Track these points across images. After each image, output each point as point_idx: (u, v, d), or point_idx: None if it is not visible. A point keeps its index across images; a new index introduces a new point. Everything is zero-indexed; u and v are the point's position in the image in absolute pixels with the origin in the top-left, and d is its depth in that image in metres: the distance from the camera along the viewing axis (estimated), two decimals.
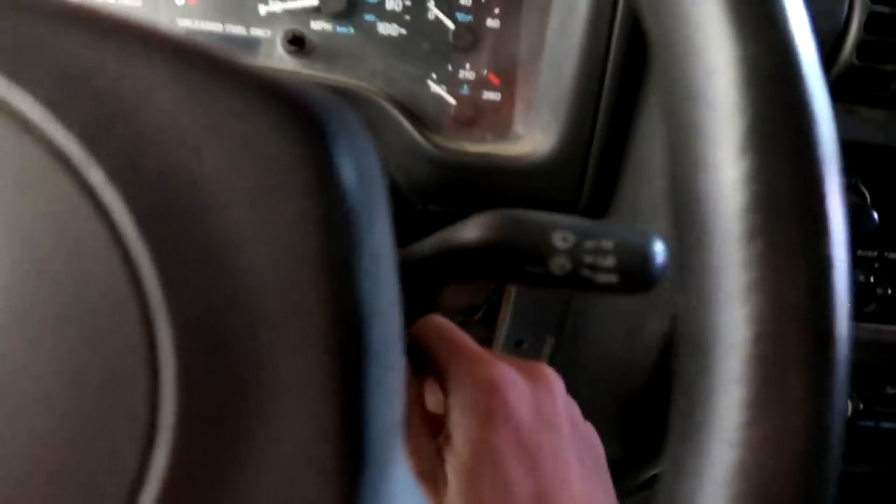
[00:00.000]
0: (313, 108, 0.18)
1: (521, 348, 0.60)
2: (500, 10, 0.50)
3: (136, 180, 0.16)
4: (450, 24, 0.49)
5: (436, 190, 0.47)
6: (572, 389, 0.57)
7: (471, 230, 0.29)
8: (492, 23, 0.50)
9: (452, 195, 0.47)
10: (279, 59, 0.48)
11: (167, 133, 0.16)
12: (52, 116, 0.16)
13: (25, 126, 0.16)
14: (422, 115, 0.49)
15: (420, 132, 0.46)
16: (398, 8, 0.49)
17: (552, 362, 0.60)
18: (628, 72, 0.43)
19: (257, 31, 0.49)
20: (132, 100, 0.16)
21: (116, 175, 0.16)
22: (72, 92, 0.16)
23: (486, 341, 0.65)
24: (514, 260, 0.28)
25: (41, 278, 0.16)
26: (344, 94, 0.46)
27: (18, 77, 0.16)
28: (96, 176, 0.16)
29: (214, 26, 0.49)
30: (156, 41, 0.17)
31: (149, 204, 0.16)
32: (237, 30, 0.49)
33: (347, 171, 0.18)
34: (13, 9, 0.16)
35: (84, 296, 0.16)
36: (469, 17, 0.50)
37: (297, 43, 0.47)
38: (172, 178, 0.16)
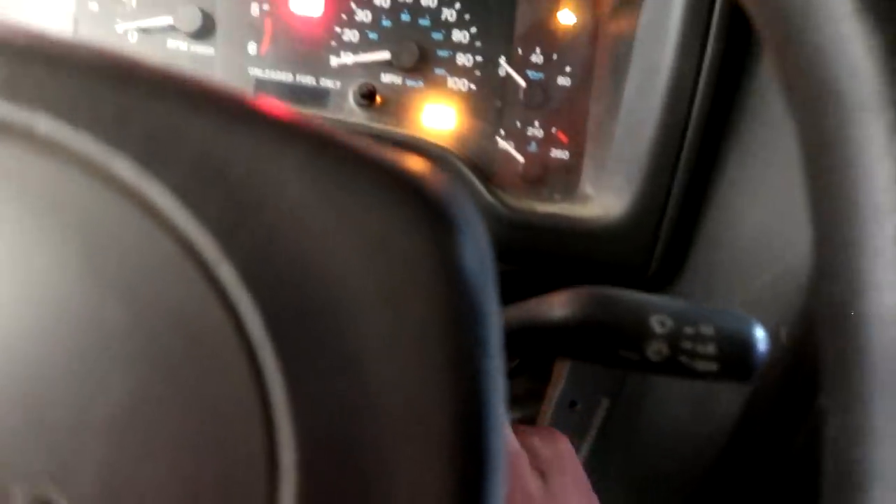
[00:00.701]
0: (443, 202, 0.17)
1: (573, 409, 0.58)
2: (571, 69, 0.49)
3: (267, 279, 0.15)
4: (521, 82, 0.49)
5: (502, 248, 0.46)
6: (628, 457, 0.55)
7: (561, 308, 0.28)
8: (562, 81, 0.49)
9: (518, 254, 0.46)
10: (349, 112, 0.48)
11: (299, 228, 0.15)
12: (185, 209, 0.15)
13: (157, 217, 0.15)
14: (489, 171, 0.48)
15: (487, 189, 0.45)
16: (469, 63, 0.49)
17: (606, 426, 0.58)
18: (709, 137, 0.42)
19: (327, 83, 0.49)
20: (265, 193, 0.15)
21: (247, 273, 0.15)
22: (205, 183, 0.15)
23: (529, 395, 0.63)
24: (607, 342, 0.27)
25: (164, 373, 0.15)
26: (412, 149, 0.45)
27: (152, 166, 0.15)
28: (227, 274, 0.15)
29: (285, 76, 0.49)
30: (289, 130, 0.16)
31: (278, 304, 0.15)
32: (307, 80, 0.49)
33: (474, 268, 0.17)
34: (148, 94, 0.15)
35: (206, 394, 0.15)
36: (540, 75, 0.49)
37: (369, 97, 0.47)
38: (303, 276, 0.15)
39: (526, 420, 0.63)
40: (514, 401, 0.64)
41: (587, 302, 0.28)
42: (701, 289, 0.45)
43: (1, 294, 0.15)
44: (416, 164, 0.19)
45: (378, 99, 0.48)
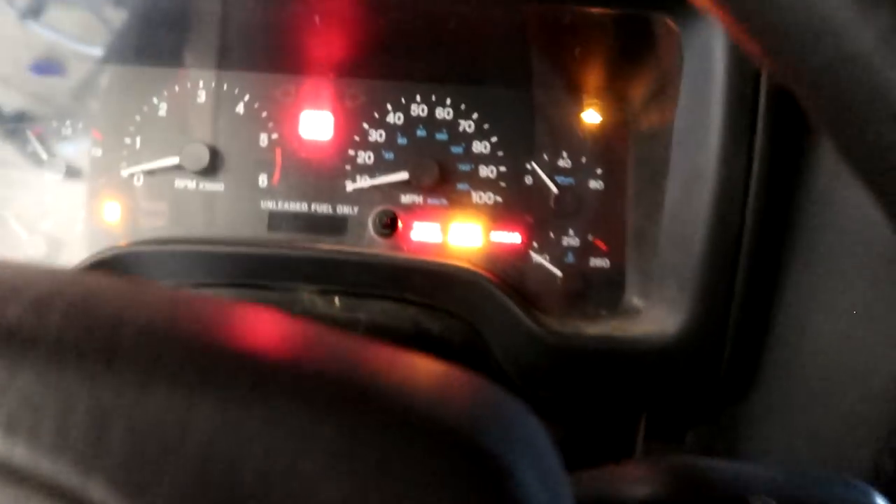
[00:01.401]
0: (503, 465, 0.13)
1: None
2: (603, 171, 0.46)
3: None
4: (552, 188, 0.45)
5: (548, 376, 0.42)
6: None
7: (642, 485, 0.24)
8: (594, 184, 0.46)
9: (568, 382, 0.42)
10: (370, 242, 0.45)
11: None
12: None
13: None
14: (526, 291, 0.45)
15: (528, 313, 0.41)
16: (493, 175, 0.46)
17: None
18: (767, 240, 0.38)
19: (344, 209, 0.46)
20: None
21: None
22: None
23: None
24: None
25: None
26: (440, 278, 0.42)
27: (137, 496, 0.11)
28: None
29: (300, 206, 0.46)
30: (308, 416, 0.12)
31: None
32: (323, 208, 0.46)
33: None
34: (134, 392, 0.12)
35: None
36: (570, 180, 0.46)
37: (390, 226, 0.44)
38: None
39: None
40: None
41: (673, 478, 0.23)
42: (780, 404, 0.40)
43: None
44: (455, 389, 0.15)
45: (399, 224, 0.45)
